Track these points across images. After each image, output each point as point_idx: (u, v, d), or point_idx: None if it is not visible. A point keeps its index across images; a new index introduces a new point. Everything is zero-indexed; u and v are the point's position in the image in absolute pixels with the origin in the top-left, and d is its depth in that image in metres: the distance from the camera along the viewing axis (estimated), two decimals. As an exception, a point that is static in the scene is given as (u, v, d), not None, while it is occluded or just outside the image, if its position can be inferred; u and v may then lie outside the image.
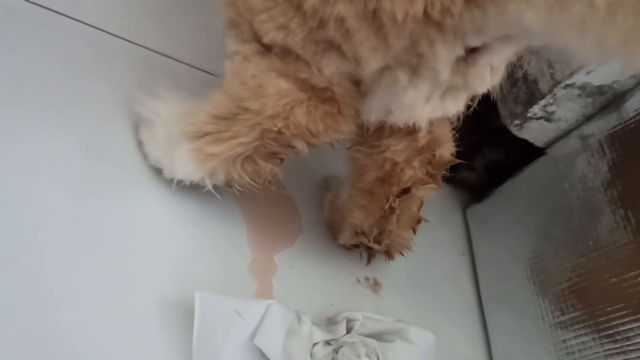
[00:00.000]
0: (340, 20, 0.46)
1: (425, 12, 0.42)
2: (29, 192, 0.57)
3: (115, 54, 0.71)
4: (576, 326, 0.69)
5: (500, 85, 0.81)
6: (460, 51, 0.47)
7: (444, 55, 0.46)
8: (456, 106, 0.53)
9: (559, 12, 0.37)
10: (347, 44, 0.48)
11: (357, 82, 0.53)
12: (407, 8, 0.42)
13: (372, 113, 0.54)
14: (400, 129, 0.58)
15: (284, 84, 0.52)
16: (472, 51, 0.48)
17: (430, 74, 0.48)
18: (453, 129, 0.66)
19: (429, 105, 0.51)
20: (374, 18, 0.44)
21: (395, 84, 0.49)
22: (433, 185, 0.64)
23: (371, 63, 0.48)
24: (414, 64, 0.48)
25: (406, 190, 0.64)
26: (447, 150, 0.63)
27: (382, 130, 0.59)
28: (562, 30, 0.39)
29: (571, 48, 0.42)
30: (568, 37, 0.39)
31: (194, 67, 0.76)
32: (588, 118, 0.76)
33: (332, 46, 0.49)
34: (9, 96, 0.61)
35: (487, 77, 0.51)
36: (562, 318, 0.72)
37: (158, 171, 0.64)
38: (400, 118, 0.53)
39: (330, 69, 0.51)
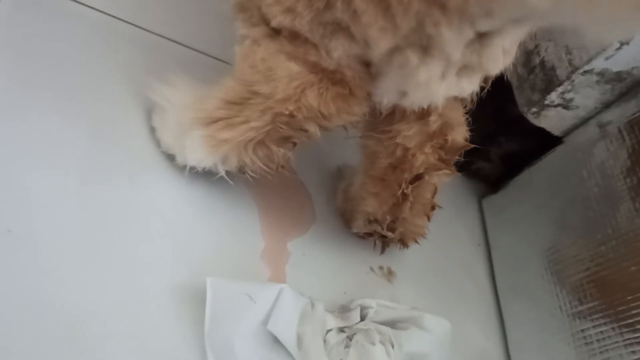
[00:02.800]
0: (348, 2, 0.45)
1: None
2: (41, 178, 0.58)
3: (127, 40, 0.71)
4: (595, 316, 0.68)
5: (517, 72, 0.80)
6: (470, 35, 0.46)
7: (451, 38, 0.45)
8: (471, 85, 0.52)
9: None
10: (355, 25, 0.47)
11: (367, 64, 0.52)
12: None
13: (385, 95, 0.53)
14: (411, 113, 0.57)
15: (294, 67, 0.52)
16: (483, 35, 0.47)
17: (441, 54, 0.47)
18: (467, 116, 0.65)
19: (444, 83, 0.50)
20: None
21: (406, 65, 0.48)
22: (446, 171, 0.63)
23: (380, 44, 0.47)
24: (424, 44, 0.47)
25: (419, 177, 0.63)
26: (459, 134, 0.62)
27: (393, 115, 0.58)
28: (571, 6, 0.38)
29: (582, 24, 0.41)
30: (578, 11, 0.38)
31: (205, 54, 0.76)
32: (607, 105, 0.75)
33: (340, 28, 0.48)
34: (22, 82, 0.62)
35: (499, 59, 0.50)
36: (580, 308, 0.70)
37: (170, 157, 0.64)
38: (415, 99, 0.52)
39: (338, 51, 0.50)
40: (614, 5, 0.35)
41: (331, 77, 0.52)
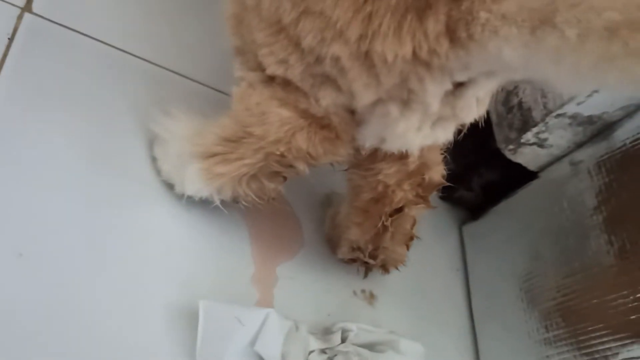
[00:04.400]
0: (336, 59, 0.49)
1: (414, 53, 0.46)
2: (46, 202, 0.63)
3: (133, 72, 0.76)
4: (559, 343, 0.73)
5: (497, 110, 0.86)
6: (448, 86, 0.50)
7: (433, 90, 0.50)
8: (446, 134, 0.56)
9: (534, 46, 0.40)
10: (342, 79, 0.51)
11: (352, 112, 0.56)
12: (397, 50, 0.46)
13: (367, 140, 0.58)
14: (392, 153, 0.62)
15: (285, 113, 0.56)
16: (459, 85, 0.51)
17: (420, 107, 0.51)
18: (449, 151, 0.69)
19: (420, 134, 0.54)
20: (366, 58, 0.48)
21: (387, 116, 0.53)
22: (423, 206, 0.68)
23: (364, 97, 0.52)
24: (405, 98, 0.51)
25: (399, 210, 0.68)
26: (436, 173, 0.67)
27: (375, 155, 0.63)
28: (539, 63, 0.42)
29: (549, 78, 0.45)
30: (545, 68, 0.42)
31: (208, 86, 0.81)
32: (579, 145, 0.79)
33: (328, 80, 0.52)
34: (33, 111, 0.67)
35: (473, 108, 0.54)
36: (546, 335, 0.75)
37: (170, 186, 0.69)
38: (393, 146, 0.57)
39: (326, 100, 0.54)
40: (576, 64, 0.39)
41: (319, 122, 0.57)
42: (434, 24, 0.44)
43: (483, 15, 0.42)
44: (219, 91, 0.81)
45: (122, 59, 0.76)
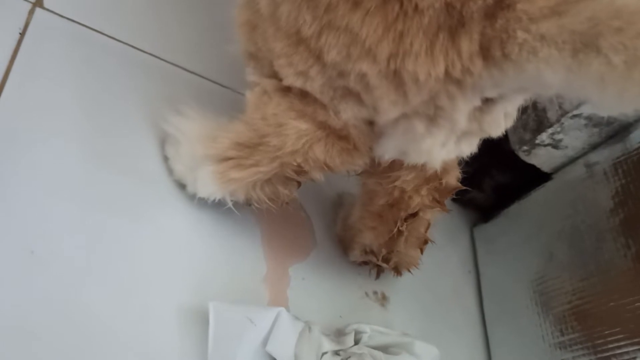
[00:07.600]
0: (362, 76, 0.47)
1: (447, 72, 0.44)
2: (58, 200, 0.62)
3: (144, 69, 0.75)
4: (574, 347, 0.72)
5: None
6: (477, 102, 0.49)
7: (463, 107, 0.48)
8: (470, 148, 0.55)
9: (577, 70, 0.39)
10: (367, 95, 0.50)
11: (371, 123, 0.55)
12: (430, 69, 0.44)
13: (387, 153, 0.56)
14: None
15: (302, 125, 0.55)
16: (487, 100, 0.49)
17: (447, 123, 0.50)
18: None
19: (444, 150, 0.53)
20: (395, 76, 0.46)
21: (411, 131, 0.51)
22: (439, 210, 0.67)
23: (389, 113, 0.50)
24: (431, 114, 0.49)
25: (414, 215, 0.67)
26: (453, 177, 0.66)
27: (394, 163, 0.61)
28: (581, 86, 0.41)
29: (591, 100, 0.43)
30: (588, 91, 0.41)
31: (220, 84, 0.80)
32: (594, 147, 0.79)
33: (350, 93, 0.51)
34: (45, 108, 0.66)
35: (501, 123, 0.53)
36: (561, 339, 0.74)
37: (181, 185, 0.68)
38: (415, 160, 0.55)
39: (347, 114, 0.53)
40: (623, 89, 0.38)
41: (337, 134, 0.55)
42: (468, 43, 0.43)
43: (520, 34, 0.41)
44: (232, 89, 0.80)
45: (133, 56, 0.75)
